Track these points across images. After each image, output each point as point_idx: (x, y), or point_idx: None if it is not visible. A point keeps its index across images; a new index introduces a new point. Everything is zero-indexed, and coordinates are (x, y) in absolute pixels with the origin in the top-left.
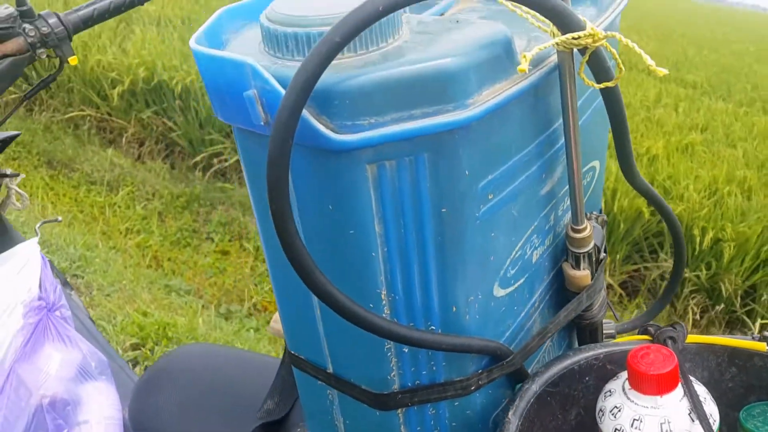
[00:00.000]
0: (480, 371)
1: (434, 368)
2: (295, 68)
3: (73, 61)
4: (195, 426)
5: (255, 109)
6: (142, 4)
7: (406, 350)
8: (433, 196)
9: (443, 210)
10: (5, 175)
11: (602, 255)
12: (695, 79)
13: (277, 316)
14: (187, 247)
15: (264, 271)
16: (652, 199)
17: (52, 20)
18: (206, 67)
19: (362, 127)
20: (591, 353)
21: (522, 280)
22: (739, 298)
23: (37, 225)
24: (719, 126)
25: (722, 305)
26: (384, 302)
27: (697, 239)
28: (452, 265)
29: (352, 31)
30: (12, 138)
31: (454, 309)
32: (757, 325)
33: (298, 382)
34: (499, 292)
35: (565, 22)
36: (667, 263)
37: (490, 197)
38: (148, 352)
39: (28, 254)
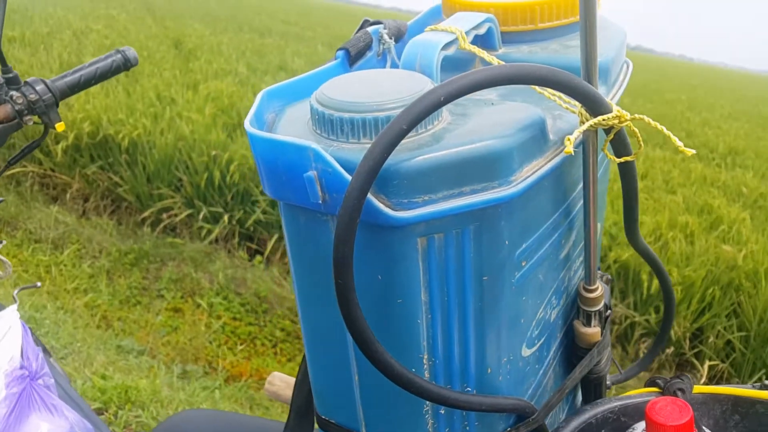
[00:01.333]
0: (508, 429)
1: (467, 427)
2: (352, 150)
3: (60, 127)
4: None
5: (314, 189)
6: (128, 69)
7: (443, 411)
8: (476, 265)
9: (484, 278)
10: None
11: (608, 312)
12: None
13: (272, 377)
14: (137, 305)
15: (219, 328)
16: (650, 260)
17: (40, 87)
18: (262, 148)
19: (417, 204)
20: (607, 407)
21: (543, 340)
22: (687, 341)
23: (15, 291)
24: (658, 173)
25: (671, 348)
26: (425, 366)
27: (645, 284)
28: (489, 329)
29: (417, 119)
30: None
31: (489, 370)
32: (706, 366)
33: None
34: (525, 352)
35: (595, 106)
36: (636, 316)
37: (523, 264)
38: (112, 417)
39: (8, 322)
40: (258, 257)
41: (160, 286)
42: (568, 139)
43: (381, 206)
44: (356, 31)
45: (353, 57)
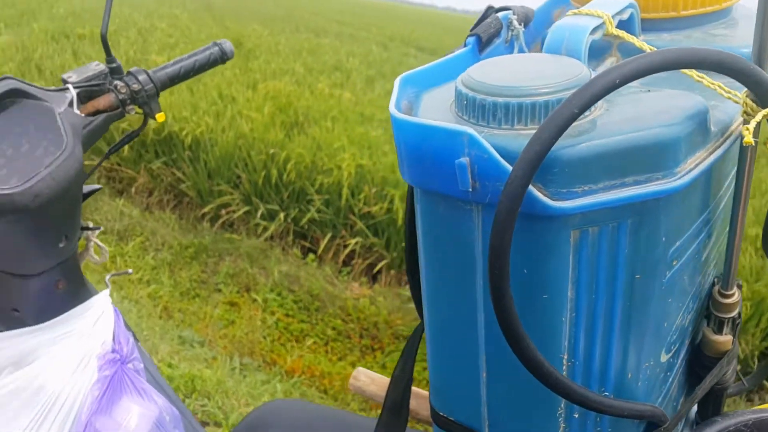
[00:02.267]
0: None
1: None
2: (505, 136)
3: (160, 117)
4: None
5: (465, 176)
6: (224, 63)
7: (577, 415)
8: (630, 263)
9: (637, 276)
10: (87, 228)
11: (739, 320)
12: None
13: (357, 373)
14: (196, 298)
15: (273, 323)
16: None
17: (142, 77)
18: (409, 133)
19: (575, 194)
20: (740, 419)
21: (677, 345)
22: (756, 359)
23: (107, 277)
24: None
25: (738, 366)
26: (564, 366)
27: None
28: (635, 331)
29: (590, 102)
30: (94, 191)
31: (630, 375)
32: None
33: None
34: (663, 357)
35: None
36: None
37: (674, 263)
38: None
39: (101, 307)
40: (311, 255)
41: (217, 280)
42: (747, 129)
43: (539, 195)
44: (480, 18)
45: (484, 43)
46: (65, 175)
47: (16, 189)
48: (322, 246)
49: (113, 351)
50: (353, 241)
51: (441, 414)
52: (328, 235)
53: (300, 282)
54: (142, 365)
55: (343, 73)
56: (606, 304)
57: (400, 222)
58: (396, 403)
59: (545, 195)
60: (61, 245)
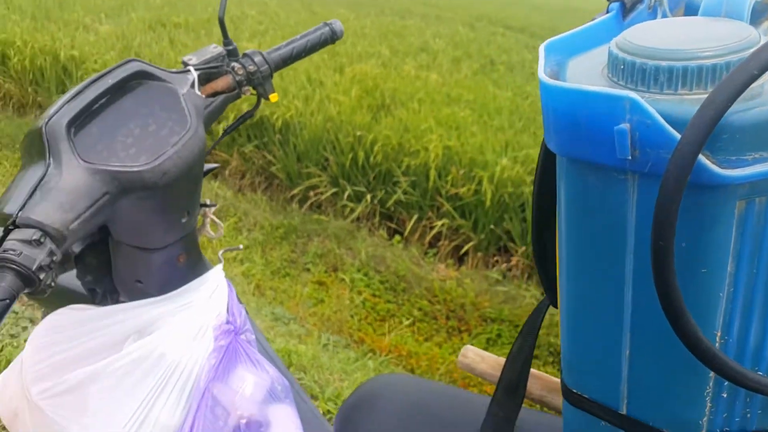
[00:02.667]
0: None
1: (748, 416)
2: (668, 102)
3: (273, 98)
4: None
5: (625, 144)
6: (334, 42)
7: (725, 395)
8: None
9: None
10: (205, 205)
11: None
12: None
13: (466, 350)
14: (286, 276)
15: (360, 303)
16: None
17: (258, 59)
18: (560, 99)
19: (745, 162)
20: None
21: None
22: None
23: (220, 252)
24: None
25: None
26: (717, 343)
27: None
28: None
29: None
30: (213, 170)
31: None
32: None
33: (570, 420)
34: None
35: None
36: None
37: None
38: None
39: (216, 280)
40: (397, 237)
41: (306, 259)
42: None
43: (708, 163)
44: None
45: (627, 9)
46: (190, 153)
47: (146, 167)
48: (408, 227)
49: (227, 322)
50: (440, 222)
51: (574, 391)
52: (415, 217)
53: (386, 263)
54: (254, 336)
55: (430, 55)
56: (766, 280)
57: (488, 204)
58: (512, 382)
59: (713, 163)
60: (183, 221)
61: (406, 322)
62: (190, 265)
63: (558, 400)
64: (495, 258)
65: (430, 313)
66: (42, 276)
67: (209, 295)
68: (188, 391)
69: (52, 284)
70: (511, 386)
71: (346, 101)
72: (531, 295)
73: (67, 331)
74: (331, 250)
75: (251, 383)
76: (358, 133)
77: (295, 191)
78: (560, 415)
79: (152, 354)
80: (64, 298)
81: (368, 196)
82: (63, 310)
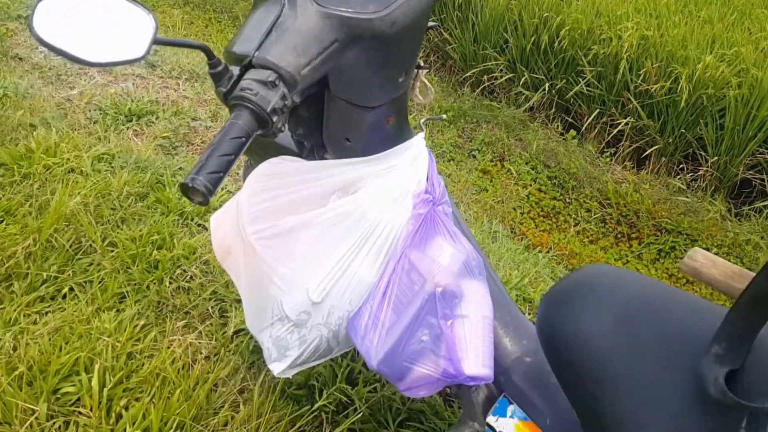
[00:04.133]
0: None
1: None
2: None
3: None
4: (620, 348)
5: None
6: None
7: None
8: None
9: None
10: (419, 66)
11: None
12: None
13: (694, 253)
14: (451, 161)
15: (524, 196)
16: None
17: None
18: None
19: None
20: None
21: None
22: None
23: (422, 121)
24: None
25: None
26: None
27: None
28: None
29: None
30: (432, 27)
31: None
32: None
33: None
34: None
35: None
36: None
37: None
38: None
39: (418, 147)
40: (572, 132)
41: (473, 146)
42: None
43: None
44: None
45: None
46: (418, 4)
47: (376, 14)
48: (586, 123)
49: (426, 191)
50: (623, 121)
51: None
52: (595, 112)
53: (557, 158)
54: (450, 210)
55: None
56: None
57: (682, 104)
58: (760, 293)
59: None
60: (400, 80)
61: (572, 222)
62: (396, 128)
63: None
64: (680, 165)
65: (600, 215)
66: (275, 119)
67: (411, 162)
68: (386, 251)
69: (282, 129)
70: (758, 296)
71: None
72: (716, 210)
73: (280, 179)
74: (500, 138)
75: (448, 254)
76: (545, 15)
77: (468, 74)
78: None
79: (355, 212)
80: (273, 150)
81: (546, 85)
82: (276, 159)
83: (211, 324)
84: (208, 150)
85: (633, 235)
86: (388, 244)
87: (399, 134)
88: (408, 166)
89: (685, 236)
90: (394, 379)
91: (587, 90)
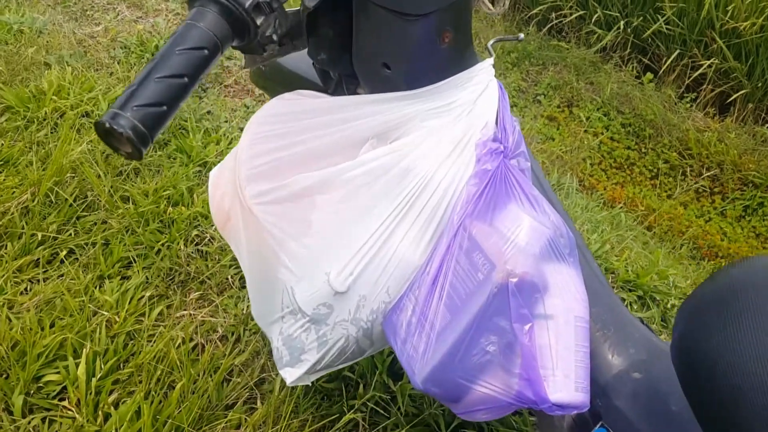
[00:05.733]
0: None
1: None
2: None
3: None
4: None
5: None
6: None
7: None
8: None
9: None
10: None
11: None
12: None
13: None
14: (514, 107)
15: (595, 146)
16: None
17: None
18: None
19: None
20: None
21: None
22: None
23: (490, 42)
24: None
25: None
26: None
27: None
28: None
29: None
30: None
31: None
32: None
33: None
34: None
35: None
36: None
37: None
38: None
39: (485, 78)
40: (649, 74)
41: (538, 90)
42: None
43: None
44: None
45: None
46: None
47: None
48: (665, 65)
49: (495, 139)
50: (706, 62)
51: None
52: (675, 53)
53: (632, 103)
54: (529, 164)
55: None
56: None
57: None
58: None
59: None
60: None
61: (648, 174)
62: (455, 50)
63: None
64: None
65: (679, 167)
66: (259, 21)
67: (474, 99)
68: (437, 222)
69: (275, 40)
70: None
71: None
72: None
73: (291, 122)
74: (568, 82)
75: (527, 228)
76: None
77: (534, 11)
78: None
79: (394, 167)
80: (291, 82)
81: (621, 23)
82: (289, 94)
83: (230, 296)
84: (143, 70)
85: (716, 190)
86: (440, 211)
87: (458, 59)
88: (470, 104)
89: None
90: (446, 401)
91: (666, 28)
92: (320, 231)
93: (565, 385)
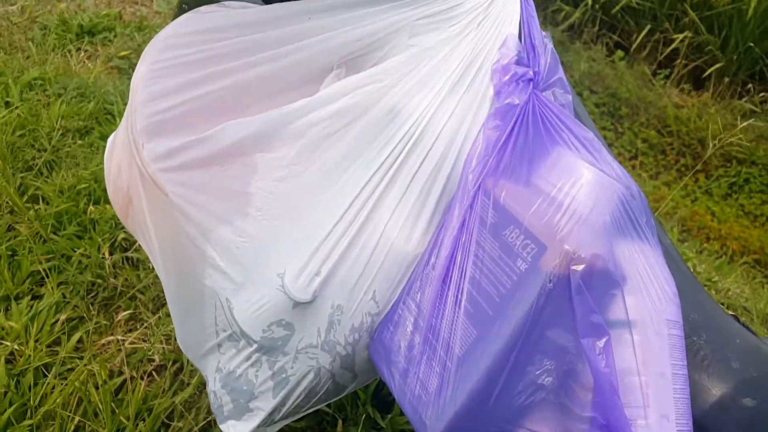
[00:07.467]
0: None
1: None
2: None
3: None
4: None
5: None
6: None
7: None
8: None
9: None
10: None
11: None
12: None
13: None
14: None
15: None
16: None
17: None
18: None
19: None
20: None
21: None
22: None
23: None
24: None
25: None
26: None
27: None
28: None
29: None
30: None
31: None
32: None
33: None
34: None
35: None
36: None
37: None
38: None
39: None
40: (620, 52)
41: None
42: None
43: None
44: None
45: None
46: None
47: None
48: (637, 41)
49: (520, 62)
50: (678, 36)
51: None
52: (646, 28)
53: (604, 82)
54: (569, 97)
55: None
56: None
57: (750, 14)
58: None
59: None
60: None
61: (627, 155)
62: None
63: None
64: (747, 86)
65: (658, 145)
66: None
67: (487, 2)
68: (440, 188)
69: None
70: None
71: None
72: None
73: (213, 43)
74: None
75: (591, 183)
76: None
77: None
78: None
79: (373, 107)
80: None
81: (589, 0)
82: (209, 7)
83: (168, 314)
84: None
85: (699, 168)
86: (445, 171)
87: None
88: (482, 11)
89: (760, 166)
90: None
91: (636, 3)
92: (265, 209)
93: (663, 428)
